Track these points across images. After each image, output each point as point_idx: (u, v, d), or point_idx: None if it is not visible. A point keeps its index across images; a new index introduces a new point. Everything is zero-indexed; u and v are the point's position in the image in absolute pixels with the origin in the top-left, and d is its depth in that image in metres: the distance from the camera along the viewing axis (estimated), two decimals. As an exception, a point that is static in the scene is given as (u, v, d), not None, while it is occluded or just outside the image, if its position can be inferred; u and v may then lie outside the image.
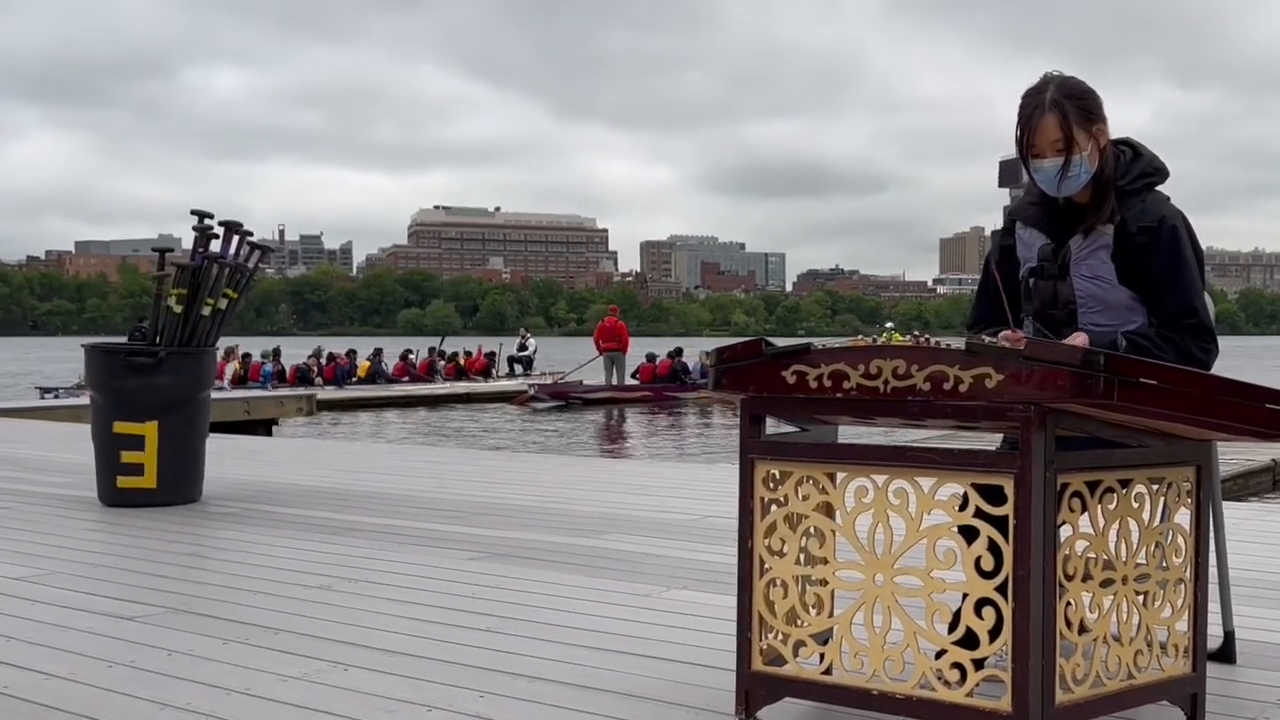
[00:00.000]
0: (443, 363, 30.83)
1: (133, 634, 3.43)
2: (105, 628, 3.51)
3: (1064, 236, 2.79)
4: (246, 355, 26.93)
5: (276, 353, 28.46)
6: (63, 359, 41.15)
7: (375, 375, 28.56)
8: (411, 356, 30.34)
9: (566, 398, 24.73)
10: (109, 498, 5.98)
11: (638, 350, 27.62)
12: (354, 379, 28.02)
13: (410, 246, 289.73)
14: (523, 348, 34.05)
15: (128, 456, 5.91)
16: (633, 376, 26.28)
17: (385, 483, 6.88)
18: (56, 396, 20.52)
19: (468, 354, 32.24)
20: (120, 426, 5.91)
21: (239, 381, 25.13)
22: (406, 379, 29.10)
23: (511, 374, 32.03)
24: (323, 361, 28.25)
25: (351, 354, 29.52)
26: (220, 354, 25.78)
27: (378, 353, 30.11)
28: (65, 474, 7.27)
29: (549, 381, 27.06)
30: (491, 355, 32.49)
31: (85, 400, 19.32)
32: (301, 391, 21.36)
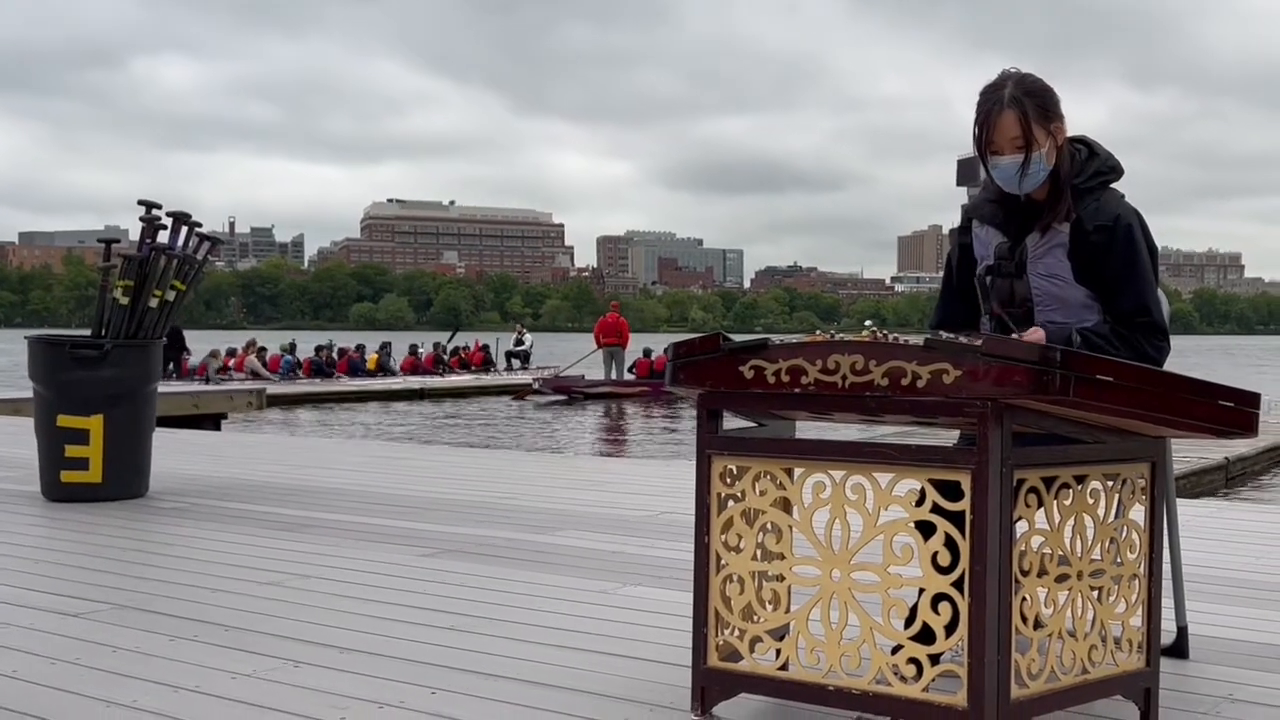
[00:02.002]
0: (447, 356, 31.84)
1: (78, 631, 3.36)
2: (49, 625, 3.43)
3: (1020, 234, 2.79)
4: (263, 349, 28.21)
5: (293, 346, 29.91)
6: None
7: (382, 368, 29.65)
8: (420, 351, 31.43)
9: (568, 392, 25.54)
10: (53, 492, 5.87)
11: (633, 347, 28.33)
12: (363, 372, 29.12)
13: (363, 240, 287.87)
14: (519, 342, 34.94)
15: (72, 450, 5.80)
16: (629, 371, 26.72)
17: (337, 478, 6.81)
18: None
19: (465, 349, 33.18)
20: (64, 420, 5.80)
21: (257, 375, 26.30)
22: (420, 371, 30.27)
23: (509, 368, 32.83)
24: (335, 355, 29.44)
25: (360, 348, 30.74)
26: (240, 346, 25.88)
27: (384, 347, 31.42)
28: (7, 468, 7.13)
29: (548, 375, 27.91)
30: (486, 349, 33.38)
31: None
32: (250, 385, 21.15)
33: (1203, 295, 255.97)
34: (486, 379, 29.76)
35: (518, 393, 26.25)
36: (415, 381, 28.14)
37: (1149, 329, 2.71)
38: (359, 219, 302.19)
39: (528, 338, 35.66)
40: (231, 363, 26.65)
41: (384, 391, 26.10)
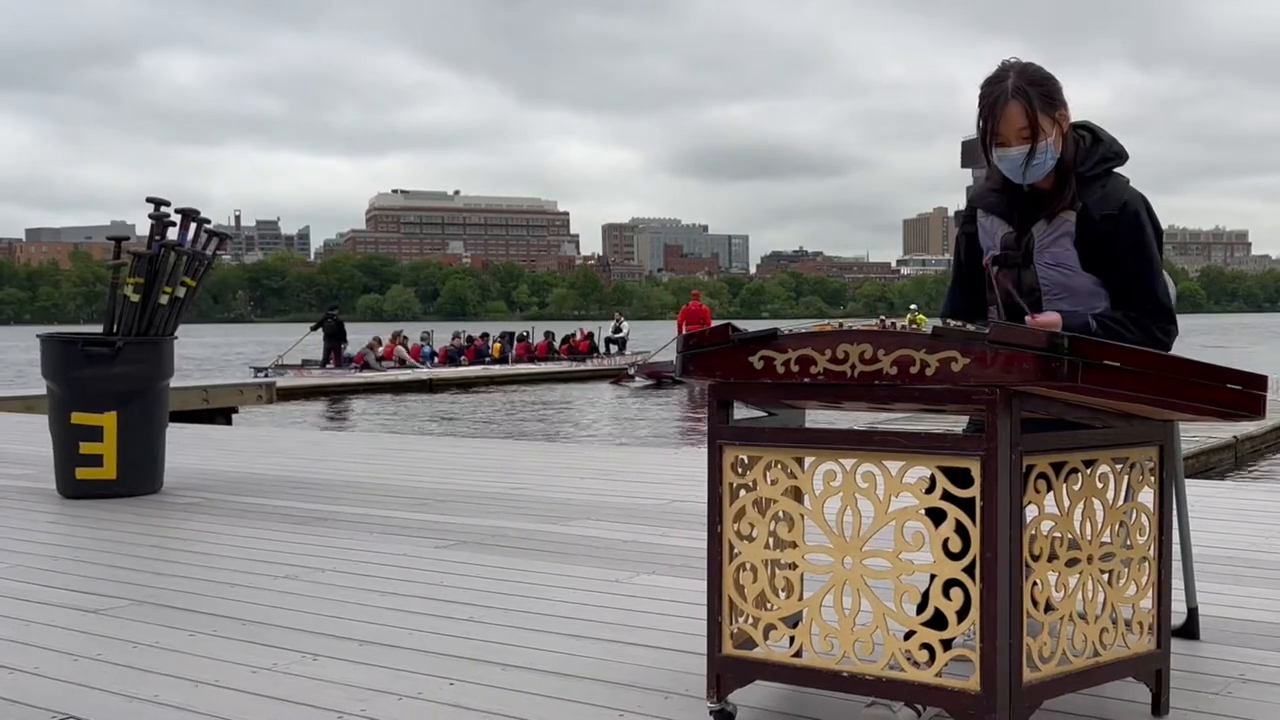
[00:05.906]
0: (558, 344, 34.87)
1: (97, 627, 3.40)
2: (69, 621, 3.47)
3: (1026, 224, 2.79)
4: (406, 338, 31.17)
5: (430, 336, 32.78)
6: (263, 341, 42.50)
7: (505, 356, 32.59)
8: (530, 338, 34.81)
9: (659, 377, 27.52)
10: (68, 489, 5.91)
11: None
12: (488, 359, 32.22)
13: (369, 231, 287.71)
14: (617, 329, 37.28)
15: (86, 448, 5.84)
16: None
17: (350, 471, 6.84)
18: (266, 375, 23.59)
19: (571, 337, 36.09)
20: (78, 417, 5.84)
21: (404, 363, 29.76)
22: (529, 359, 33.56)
23: (608, 354, 35.26)
24: (463, 344, 32.54)
25: (485, 337, 33.76)
26: (388, 338, 29.32)
27: (505, 336, 34.51)
28: (23, 466, 7.18)
29: (641, 362, 30.13)
30: (590, 336, 36.05)
31: (282, 379, 21.66)
32: (260, 379, 21.23)
33: (1209, 274, 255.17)
34: (588, 365, 32.35)
35: (616, 378, 28.62)
36: (569, 366, 31.49)
37: (1157, 313, 2.73)
38: (364, 210, 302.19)
39: (625, 325, 37.86)
40: (381, 350, 29.75)
41: (542, 375, 29.42)
